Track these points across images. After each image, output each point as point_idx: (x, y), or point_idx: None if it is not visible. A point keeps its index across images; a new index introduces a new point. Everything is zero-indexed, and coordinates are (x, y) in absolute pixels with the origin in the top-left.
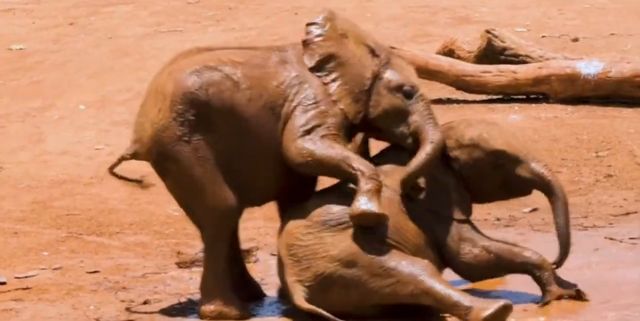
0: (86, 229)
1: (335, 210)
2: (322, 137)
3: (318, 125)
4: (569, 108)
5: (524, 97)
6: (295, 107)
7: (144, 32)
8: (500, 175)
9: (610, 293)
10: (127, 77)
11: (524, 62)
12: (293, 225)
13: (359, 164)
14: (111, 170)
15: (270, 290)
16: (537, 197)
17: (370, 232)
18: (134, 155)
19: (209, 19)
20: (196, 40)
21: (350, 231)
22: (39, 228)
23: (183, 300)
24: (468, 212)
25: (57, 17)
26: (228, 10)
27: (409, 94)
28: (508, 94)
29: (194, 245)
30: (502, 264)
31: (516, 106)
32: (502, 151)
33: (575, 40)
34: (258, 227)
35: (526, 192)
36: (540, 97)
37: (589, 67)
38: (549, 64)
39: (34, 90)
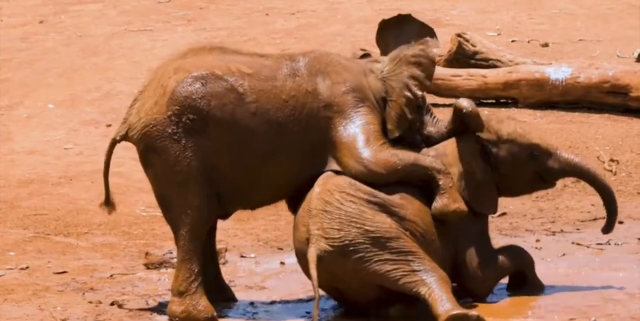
0: (54, 229)
1: (382, 196)
2: (382, 145)
3: (370, 136)
4: (538, 113)
5: (494, 101)
6: (327, 122)
7: (113, 31)
8: (533, 168)
9: (572, 298)
10: (96, 76)
11: (494, 67)
12: (337, 186)
13: (430, 162)
14: (108, 157)
15: (239, 292)
16: (506, 202)
17: (404, 227)
18: (123, 137)
19: (180, 18)
20: (166, 39)
21: (390, 219)
22: (5, 227)
23: (151, 301)
24: (496, 208)
25: (26, 15)
26: (199, 10)
27: (420, 107)
28: (478, 98)
29: (162, 246)
30: None
31: (486, 110)
32: (537, 144)
33: (545, 45)
34: (227, 228)
35: (553, 183)
36: (510, 101)
37: (558, 72)
38: (519, 69)
39: (1, 89)
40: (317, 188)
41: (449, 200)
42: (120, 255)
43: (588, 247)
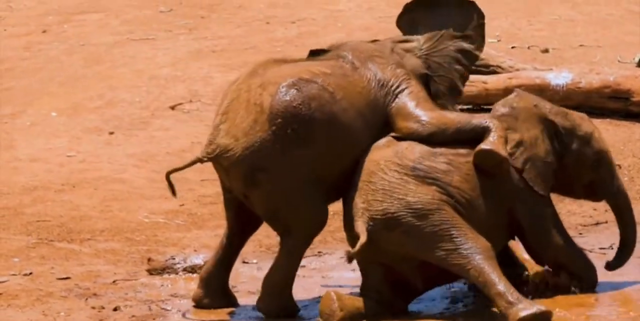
0: (57, 235)
1: (427, 164)
2: (433, 106)
3: (421, 99)
4: None
5: None
6: (389, 98)
7: (115, 40)
8: (591, 176)
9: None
10: (98, 85)
11: (495, 73)
12: (383, 155)
13: (483, 121)
14: (175, 170)
15: (242, 297)
16: None
17: (449, 195)
18: (211, 159)
19: (181, 27)
20: (168, 48)
21: (434, 188)
22: (9, 234)
23: (154, 306)
24: (547, 190)
25: (29, 24)
26: (200, 19)
27: None
28: (478, 104)
29: (165, 252)
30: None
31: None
32: (606, 156)
33: (545, 51)
34: None
35: (599, 199)
36: None
37: (559, 77)
38: (519, 75)
39: (5, 97)
40: (365, 159)
41: (492, 144)
42: (123, 261)
43: (591, 252)
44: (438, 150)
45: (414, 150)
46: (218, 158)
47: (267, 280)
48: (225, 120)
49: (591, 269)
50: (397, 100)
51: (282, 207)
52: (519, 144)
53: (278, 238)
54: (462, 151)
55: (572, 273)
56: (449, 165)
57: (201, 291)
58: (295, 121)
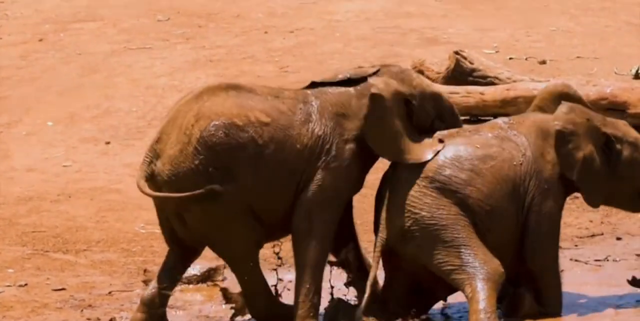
0: (52, 246)
1: (447, 173)
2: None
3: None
4: None
5: (492, 118)
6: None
7: (112, 49)
8: None
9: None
10: (95, 94)
11: (492, 84)
12: (406, 166)
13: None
14: (143, 190)
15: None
16: None
17: (466, 208)
18: (150, 177)
19: (179, 36)
20: (165, 57)
21: (451, 201)
22: (4, 245)
23: None
24: (598, 203)
25: (25, 33)
26: (198, 28)
27: None
28: (476, 115)
29: (161, 263)
30: None
31: None
32: None
33: (543, 62)
34: None
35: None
36: None
37: None
38: (517, 86)
39: (1, 106)
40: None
41: None
42: (118, 272)
43: (586, 263)
44: (464, 154)
45: (437, 158)
46: (151, 178)
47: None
48: (159, 141)
49: (561, 293)
50: (316, 178)
51: (213, 234)
52: (582, 161)
53: (273, 249)
54: (490, 153)
55: (539, 289)
56: (472, 172)
57: (141, 316)
58: (217, 161)
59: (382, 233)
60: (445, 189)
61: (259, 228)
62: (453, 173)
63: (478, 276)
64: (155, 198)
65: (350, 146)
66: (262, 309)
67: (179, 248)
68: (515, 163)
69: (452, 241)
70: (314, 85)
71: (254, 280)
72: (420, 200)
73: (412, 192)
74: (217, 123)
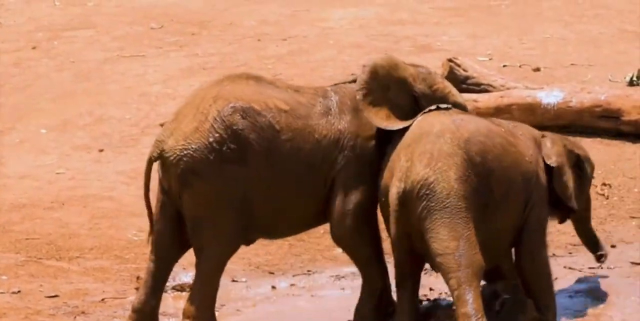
0: (45, 253)
1: (481, 139)
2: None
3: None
4: None
5: None
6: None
7: (106, 57)
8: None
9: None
10: (88, 101)
11: (486, 91)
12: (440, 120)
13: None
14: (147, 175)
15: (231, 316)
16: None
17: (484, 186)
18: (158, 158)
19: (172, 44)
20: (158, 65)
21: (474, 174)
22: None
23: None
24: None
25: (19, 40)
26: (191, 36)
27: None
28: None
29: None
30: None
31: None
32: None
33: (537, 69)
34: None
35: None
36: None
37: (550, 96)
38: (511, 93)
39: None
40: (417, 121)
41: None
42: (112, 279)
43: (580, 271)
44: (496, 131)
45: (471, 121)
46: (160, 157)
47: (187, 305)
48: (173, 120)
49: (554, 298)
50: (342, 173)
51: (203, 216)
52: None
53: (267, 257)
54: (514, 139)
55: (534, 295)
56: (501, 148)
57: None
58: (232, 142)
59: (403, 179)
60: (475, 156)
61: (245, 224)
62: (486, 140)
63: (465, 270)
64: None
65: (373, 143)
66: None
67: (162, 251)
68: (527, 158)
69: (459, 222)
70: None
71: (210, 287)
72: (451, 158)
73: (444, 147)
74: (235, 105)
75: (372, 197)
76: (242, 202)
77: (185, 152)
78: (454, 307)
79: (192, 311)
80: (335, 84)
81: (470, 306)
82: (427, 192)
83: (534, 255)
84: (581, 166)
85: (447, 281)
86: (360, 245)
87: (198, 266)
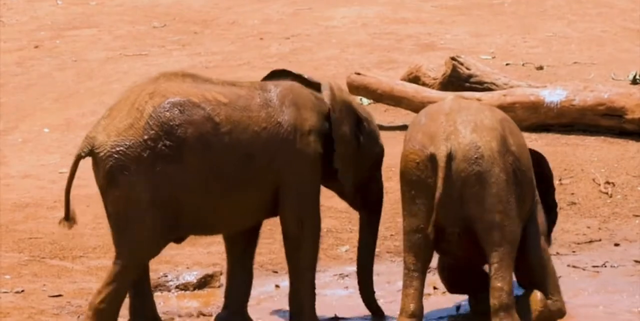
0: (49, 253)
1: (511, 125)
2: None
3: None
4: (533, 135)
5: None
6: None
7: (108, 56)
8: None
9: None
10: (91, 101)
11: (489, 89)
12: (469, 101)
13: None
14: (72, 173)
15: None
16: None
17: (516, 161)
18: (88, 154)
19: (175, 43)
20: (161, 64)
21: (512, 151)
22: (0, 251)
23: None
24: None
25: (21, 40)
26: (193, 34)
27: None
28: None
29: (157, 270)
30: None
31: None
32: None
33: (540, 68)
34: (221, 251)
35: None
36: None
37: (553, 95)
38: (514, 92)
39: None
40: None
41: None
42: None
43: (584, 270)
44: (514, 124)
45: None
46: (91, 153)
47: (94, 297)
48: (107, 117)
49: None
50: (283, 166)
51: (127, 215)
52: None
53: (270, 256)
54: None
55: (540, 279)
56: (520, 139)
57: None
58: (168, 139)
59: (446, 142)
60: (509, 135)
61: (169, 225)
62: (513, 130)
63: (506, 247)
64: None
65: (313, 136)
66: None
67: None
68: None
69: (508, 188)
70: (274, 74)
71: (118, 292)
72: (495, 129)
73: (487, 120)
74: (172, 100)
75: (314, 189)
76: (170, 200)
77: (116, 149)
78: (490, 280)
79: (97, 305)
80: (276, 73)
81: (506, 282)
82: (476, 156)
83: (538, 241)
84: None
85: (488, 253)
86: (304, 236)
87: (115, 264)
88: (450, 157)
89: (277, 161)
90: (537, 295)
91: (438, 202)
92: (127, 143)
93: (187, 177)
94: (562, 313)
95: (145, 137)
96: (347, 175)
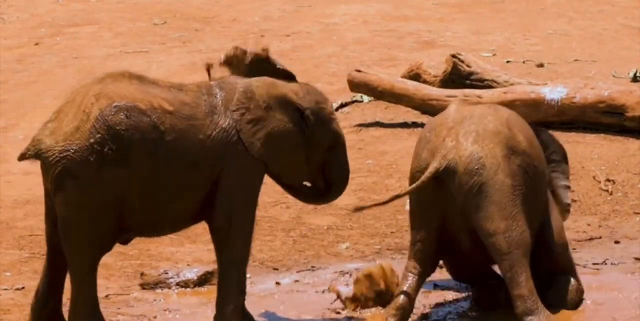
0: None
1: (518, 120)
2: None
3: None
4: None
5: None
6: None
7: (109, 53)
8: None
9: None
10: None
11: (489, 87)
12: (473, 107)
13: None
14: (21, 160)
15: None
16: None
17: (528, 165)
18: (32, 156)
19: (175, 40)
20: (162, 61)
21: (521, 153)
22: (1, 248)
23: None
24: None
25: (21, 37)
26: (194, 31)
27: None
28: None
29: (158, 267)
30: None
31: None
32: None
33: (540, 65)
34: None
35: None
36: None
37: (553, 92)
38: (514, 89)
39: None
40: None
41: None
42: (115, 276)
43: (584, 267)
44: (526, 124)
45: (501, 107)
46: (38, 156)
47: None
48: (54, 119)
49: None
50: (227, 170)
51: (75, 219)
52: None
53: (271, 253)
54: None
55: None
56: (530, 129)
57: None
58: (114, 143)
59: (449, 155)
60: (516, 138)
61: (119, 225)
62: (522, 127)
63: (516, 252)
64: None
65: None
66: None
67: (51, 253)
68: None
69: (511, 198)
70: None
71: (85, 290)
72: (498, 135)
73: (489, 127)
74: (119, 104)
75: (255, 195)
76: (118, 203)
77: (64, 154)
78: (508, 288)
79: (77, 313)
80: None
81: (524, 288)
82: (477, 167)
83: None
84: None
85: (498, 263)
86: (231, 232)
87: (70, 269)
88: (449, 174)
89: (221, 165)
90: (575, 285)
91: (427, 221)
92: (74, 148)
93: (133, 181)
94: (582, 293)
95: (92, 140)
96: (290, 176)
